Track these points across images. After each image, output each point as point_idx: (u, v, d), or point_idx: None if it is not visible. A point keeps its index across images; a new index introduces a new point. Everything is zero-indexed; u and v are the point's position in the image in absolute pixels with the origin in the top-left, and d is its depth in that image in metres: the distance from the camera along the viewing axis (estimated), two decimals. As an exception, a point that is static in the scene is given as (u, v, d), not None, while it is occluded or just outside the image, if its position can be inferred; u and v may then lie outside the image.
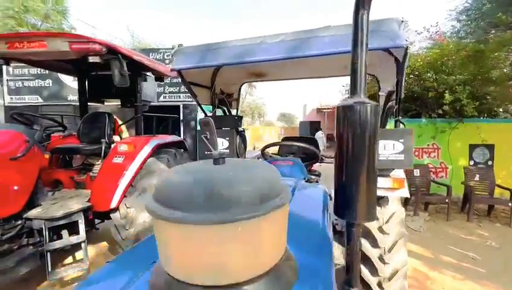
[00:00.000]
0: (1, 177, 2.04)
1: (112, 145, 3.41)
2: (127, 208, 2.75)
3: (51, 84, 6.57)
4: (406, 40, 1.48)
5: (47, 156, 2.76)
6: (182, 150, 3.88)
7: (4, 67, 6.64)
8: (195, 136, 6.24)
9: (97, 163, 3.34)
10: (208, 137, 2.08)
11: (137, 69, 3.32)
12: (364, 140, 0.87)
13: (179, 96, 6.31)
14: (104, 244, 3.67)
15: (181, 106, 6.28)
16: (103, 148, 3.18)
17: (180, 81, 6.31)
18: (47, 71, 6.51)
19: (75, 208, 2.47)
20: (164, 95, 6.28)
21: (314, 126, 21.76)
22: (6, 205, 2.09)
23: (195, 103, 6.36)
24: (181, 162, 3.60)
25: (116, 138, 3.55)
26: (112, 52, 2.64)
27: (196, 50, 1.97)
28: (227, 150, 2.37)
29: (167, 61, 6.02)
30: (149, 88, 3.95)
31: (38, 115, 2.88)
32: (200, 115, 6.30)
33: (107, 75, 3.89)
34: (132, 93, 3.59)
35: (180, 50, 2.04)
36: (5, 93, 6.68)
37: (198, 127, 6.29)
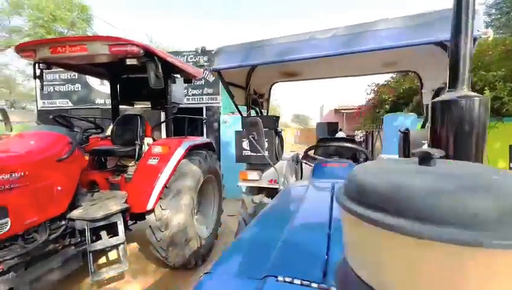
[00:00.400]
0: (49, 178, 2.08)
1: (144, 147, 3.45)
2: (162, 209, 2.75)
3: (80, 89, 6.82)
4: (478, 31, 1.35)
5: (86, 157, 2.82)
6: (211, 151, 3.87)
7: (38, 72, 6.98)
8: (218, 137, 6.24)
9: (130, 164, 3.38)
10: (256, 138, 2.03)
11: (169, 71, 3.34)
12: (471, 139, 0.76)
13: (202, 99, 6.36)
14: (135, 245, 3.71)
15: (204, 108, 6.31)
16: (137, 150, 3.21)
17: (203, 83, 6.37)
18: (77, 76, 6.77)
19: (114, 209, 2.49)
20: (187, 97, 6.34)
21: (332, 127, 21.35)
22: (53, 206, 2.14)
23: (217, 105, 6.39)
24: (210, 164, 3.58)
25: (147, 139, 3.58)
26: (149, 54, 2.66)
27: (239, 49, 1.92)
28: (267, 152, 2.31)
29: (191, 64, 6.09)
30: (178, 90, 3.98)
31: (78, 117, 2.95)
32: (222, 117, 6.30)
33: (137, 77, 3.98)
34: (162, 95, 3.62)
35: (221, 50, 2.01)
36: (38, 97, 7.01)
37: (222, 129, 6.29)
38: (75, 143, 2.35)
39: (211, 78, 6.25)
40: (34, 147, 2.08)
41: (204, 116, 6.23)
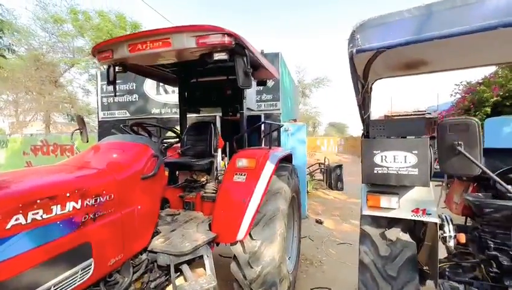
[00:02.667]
0: (134, 201, 1.63)
1: (217, 160, 2.97)
2: (253, 240, 2.18)
3: (137, 99, 6.83)
4: None
5: (166, 172, 2.39)
6: (291, 164, 3.27)
7: (99, 85, 7.18)
8: (278, 146, 5.65)
9: (203, 179, 2.91)
10: (462, 149, 1.34)
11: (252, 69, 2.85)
12: None
13: (260, 105, 5.88)
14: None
15: (262, 115, 5.80)
16: (215, 163, 2.73)
17: (261, 89, 5.88)
18: (135, 87, 6.80)
19: (201, 240, 1.97)
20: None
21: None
22: (139, 237, 1.69)
23: (277, 112, 5.83)
24: (295, 180, 2.96)
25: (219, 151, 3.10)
26: (239, 46, 2.18)
27: (402, 17, 1.29)
28: (415, 170, 1.60)
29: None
30: (250, 94, 3.49)
31: (157, 124, 2.56)
32: (284, 125, 5.71)
33: (206, 81, 3.59)
34: (236, 100, 3.14)
35: (372, 22, 1.39)
36: (99, 109, 7.18)
37: (283, 138, 5.70)
38: (161, 157, 1.90)
39: (271, 83, 5.75)
40: (119, 161, 1.66)
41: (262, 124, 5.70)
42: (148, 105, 6.75)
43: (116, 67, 2.59)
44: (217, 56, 2.16)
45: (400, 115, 16.56)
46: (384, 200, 1.74)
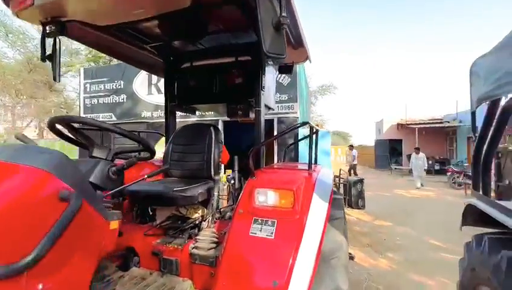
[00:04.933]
0: None
1: (219, 185, 1.86)
2: None
3: (125, 100, 5.79)
4: None
5: (117, 222, 1.24)
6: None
7: (81, 84, 6.14)
8: (295, 159, 4.53)
9: (194, 217, 1.79)
10: None
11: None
12: None
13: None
14: None
15: (275, 119, 4.71)
16: (217, 190, 1.62)
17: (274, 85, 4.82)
18: (122, 85, 5.77)
19: None
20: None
21: (394, 145, 18.42)
22: None
23: (294, 116, 4.72)
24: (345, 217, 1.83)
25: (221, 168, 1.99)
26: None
27: None
28: None
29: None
30: (269, 84, 2.39)
31: (100, 125, 1.39)
32: (303, 132, 4.61)
33: (204, 67, 2.52)
34: (248, 92, 2.06)
35: None
36: (81, 111, 6.14)
37: (301, 146, 4.58)
38: (78, 197, 0.80)
39: (286, 81, 4.68)
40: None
41: (275, 130, 4.59)
42: (138, 107, 5.70)
43: (49, 27, 1.51)
44: None
45: (415, 123, 15.40)
46: None
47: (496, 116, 1.54)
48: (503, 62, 1.38)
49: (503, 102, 1.55)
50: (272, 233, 1.18)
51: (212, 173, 1.86)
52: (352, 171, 10.77)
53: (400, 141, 17.40)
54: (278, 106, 4.72)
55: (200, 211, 1.79)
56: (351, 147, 12.18)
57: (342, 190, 8.14)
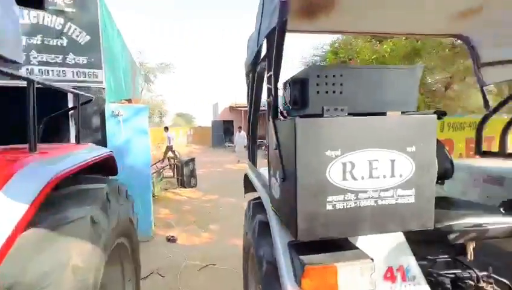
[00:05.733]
0: None
1: None
2: None
3: None
4: None
5: None
6: (114, 177, 1.68)
7: None
8: (103, 142, 3.64)
9: None
10: None
11: None
12: None
13: (64, 73, 3.50)
14: None
15: (71, 89, 3.50)
16: None
17: (64, 44, 3.54)
18: None
19: None
20: (30, 67, 3.34)
21: (227, 125, 20.68)
22: None
23: (97, 85, 3.79)
24: (120, 214, 1.47)
25: None
26: None
27: None
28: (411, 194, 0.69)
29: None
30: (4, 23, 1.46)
31: None
32: (111, 107, 3.75)
33: None
34: None
35: None
36: None
37: (111, 126, 3.74)
38: None
39: (83, 39, 3.56)
40: None
41: (69, 104, 3.43)
42: None
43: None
44: None
45: (243, 106, 17.94)
46: (347, 275, 0.73)
47: (254, 87, 1.69)
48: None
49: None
50: None
51: None
52: (169, 153, 10.15)
53: (232, 121, 19.81)
54: (70, 71, 3.51)
55: None
56: (166, 128, 11.81)
57: (175, 172, 7.98)
